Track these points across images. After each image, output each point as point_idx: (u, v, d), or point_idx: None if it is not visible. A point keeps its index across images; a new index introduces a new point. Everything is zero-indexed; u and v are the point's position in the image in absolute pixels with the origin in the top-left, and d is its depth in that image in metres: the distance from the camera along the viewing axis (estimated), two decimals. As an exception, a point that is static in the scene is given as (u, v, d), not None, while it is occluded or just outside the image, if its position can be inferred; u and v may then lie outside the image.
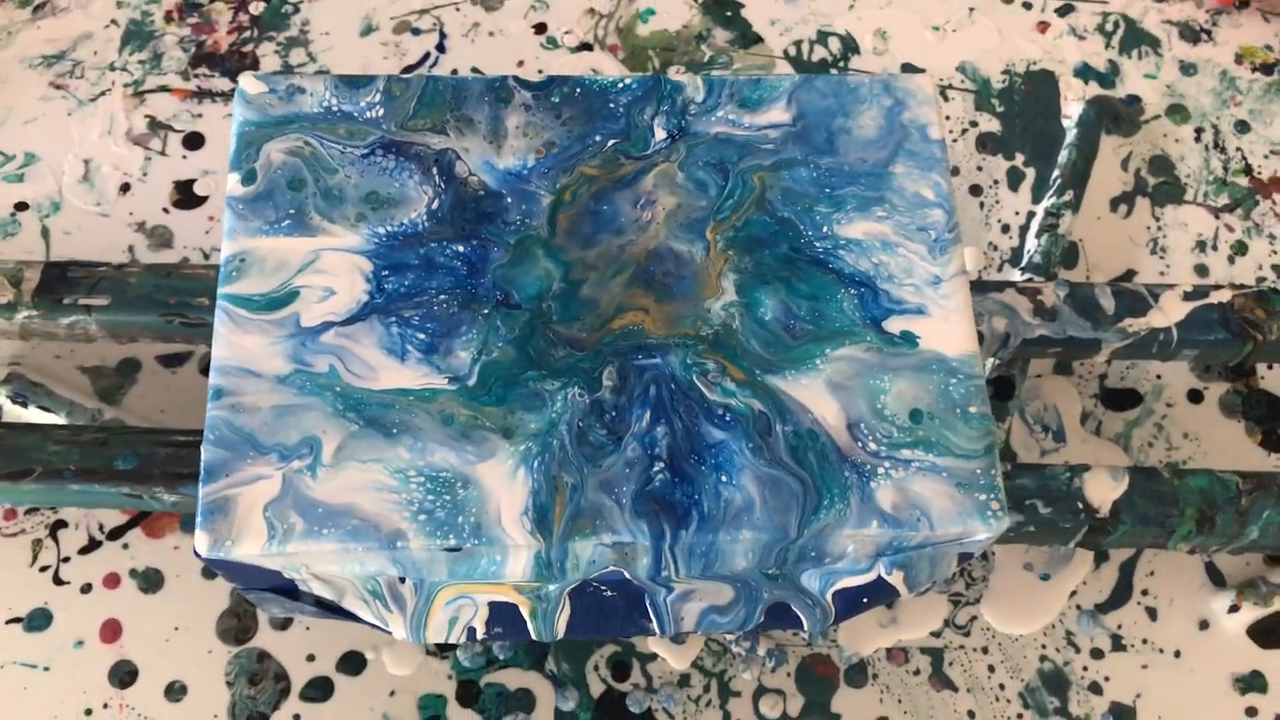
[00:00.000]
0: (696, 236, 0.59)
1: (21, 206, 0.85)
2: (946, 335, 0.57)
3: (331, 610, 0.59)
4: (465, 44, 0.93)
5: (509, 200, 0.59)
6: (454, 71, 0.92)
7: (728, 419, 0.55)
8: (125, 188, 0.87)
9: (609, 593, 0.57)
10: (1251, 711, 0.75)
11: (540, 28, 0.95)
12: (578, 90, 0.62)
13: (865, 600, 0.58)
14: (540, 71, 0.92)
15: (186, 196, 0.87)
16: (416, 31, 0.94)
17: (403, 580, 0.56)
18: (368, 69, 0.91)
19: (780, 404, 0.55)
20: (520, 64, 0.93)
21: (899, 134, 0.62)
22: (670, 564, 0.54)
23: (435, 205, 0.59)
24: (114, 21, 0.93)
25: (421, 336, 0.56)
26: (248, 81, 0.61)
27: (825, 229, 0.59)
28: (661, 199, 0.60)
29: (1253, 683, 0.76)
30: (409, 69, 0.92)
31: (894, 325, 0.57)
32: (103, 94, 0.90)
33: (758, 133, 0.62)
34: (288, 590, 0.57)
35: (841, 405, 0.55)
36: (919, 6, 0.97)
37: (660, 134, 0.62)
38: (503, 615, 0.58)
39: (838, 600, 0.58)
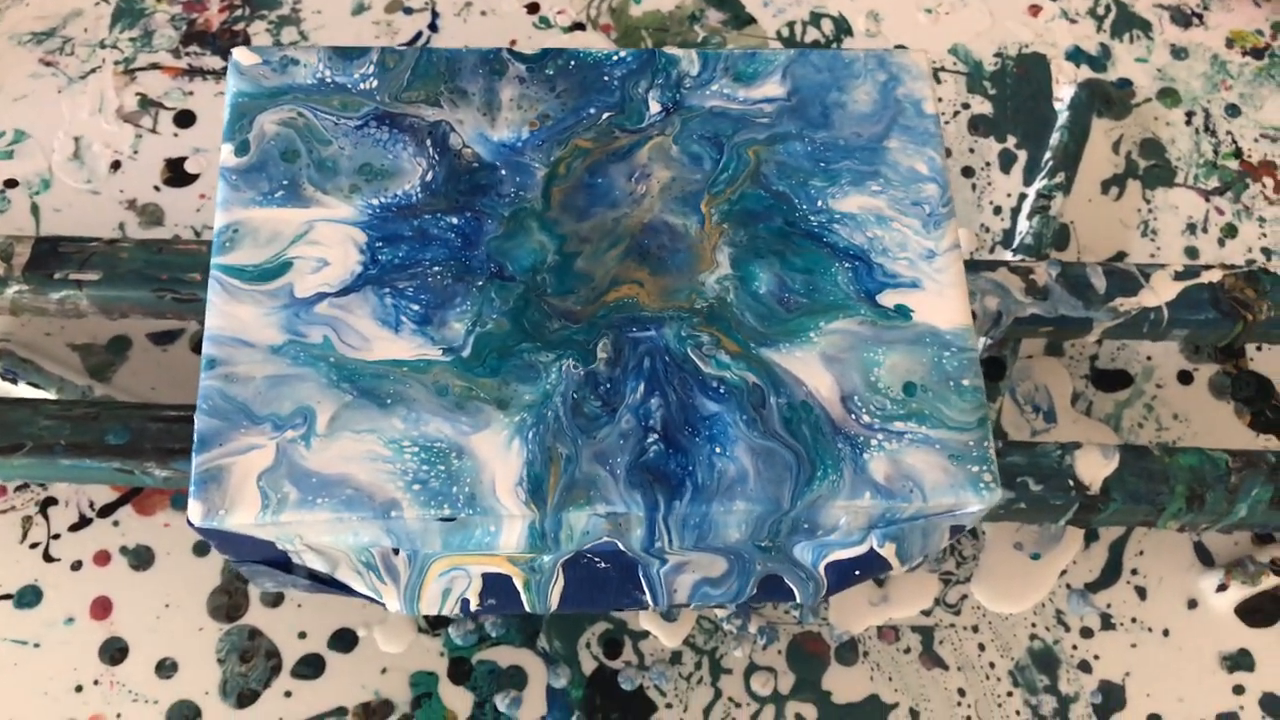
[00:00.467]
0: (691, 210, 0.59)
1: (11, 184, 0.85)
2: (940, 309, 0.57)
3: (325, 583, 0.59)
4: (457, 23, 0.93)
5: (503, 172, 0.59)
6: (446, 51, 0.92)
7: (722, 391, 0.55)
8: (116, 165, 0.86)
9: (602, 564, 0.57)
10: (1239, 689, 0.75)
11: (533, 7, 0.95)
12: (572, 63, 0.62)
13: (857, 573, 0.59)
14: (533, 51, 0.92)
15: (177, 174, 0.86)
16: (409, 10, 0.93)
17: (396, 551, 0.56)
18: (360, 48, 0.91)
19: (774, 376, 0.55)
20: (513, 43, 0.93)
21: (893, 109, 0.62)
22: (664, 535, 0.54)
23: (429, 177, 0.59)
24: (104, -1, 0.93)
25: (415, 308, 0.56)
26: (241, 53, 0.61)
27: (820, 203, 0.60)
28: (656, 172, 0.60)
29: (1240, 661, 0.76)
30: (401, 48, 0.91)
31: (888, 299, 0.57)
32: (93, 71, 0.89)
33: (752, 106, 0.62)
34: (281, 563, 0.57)
35: (835, 378, 0.55)
36: (912, -11, 0.97)
37: (655, 107, 0.62)
38: (496, 587, 0.58)
39: (830, 572, 0.58)
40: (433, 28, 0.93)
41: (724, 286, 0.57)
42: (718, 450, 0.53)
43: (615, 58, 0.63)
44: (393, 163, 0.59)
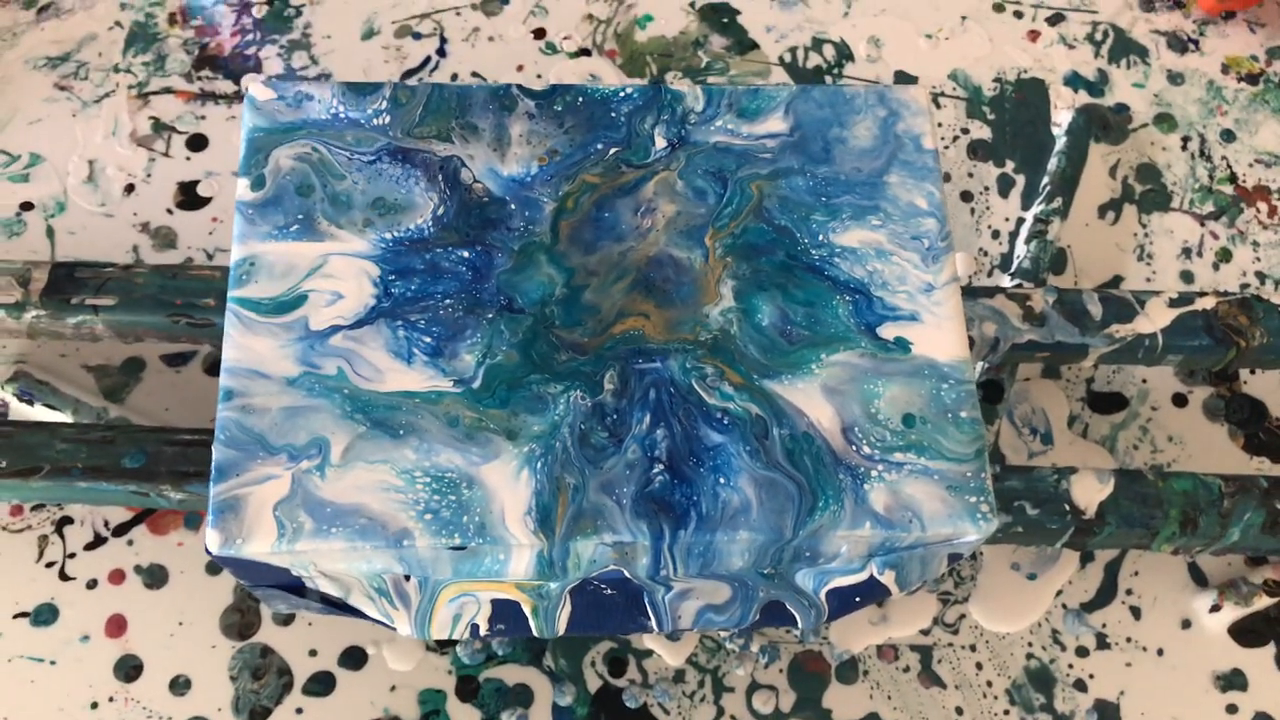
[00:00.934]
0: (696, 243, 0.61)
1: (27, 206, 0.87)
2: (938, 341, 0.59)
3: (337, 607, 0.60)
4: (465, 48, 0.95)
5: (513, 207, 0.61)
6: (454, 76, 0.93)
7: (726, 422, 0.56)
8: (129, 188, 0.88)
9: (609, 591, 0.59)
10: (1232, 709, 0.77)
11: (539, 33, 0.96)
12: (580, 99, 0.64)
13: (858, 599, 0.60)
14: (539, 76, 0.94)
15: (190, 197, 0.88)
16: (417, 36, 0.95)
17: (408, 578, 0.57)
18: (369, 72, 0.92)
19: (777, 408, 0.57)
20: (520, 68, 0.94)
21: (893, 144, 0.64)
22: (669, 563, 0.56)
23: (441, 211, 0.60)
24: (118, 23, 0.94)
25: (427, 340, 0.57)
26: (257, 89, 0.62)
27: (821, 237, 0.61)
28: (662, 206, 0.61)
29: (1233, 680, 0.77)
30: (410, 73, 0.93)
31: (888, 331, 0.59)
32: (107, 95, 0.91)
33: (755, 142, 0.63)
34: (295, 587, 0.58)
35: (836, 409, 0.57)
36: (912, 14, 0.99)
37: (661, 143, 0.63)
38: (505, 612, 0.59)
39: (831, 599, 0.60)
40: (441, 53, 0.94)
41: (728, 319, 0.59)
42: (722, 481, 0.55)
43: (622, 94, 0.64)
44: (405, 197, 0.60)
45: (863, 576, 0.59)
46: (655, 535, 0.54)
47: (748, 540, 0.55)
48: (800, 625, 0.61)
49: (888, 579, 0.59)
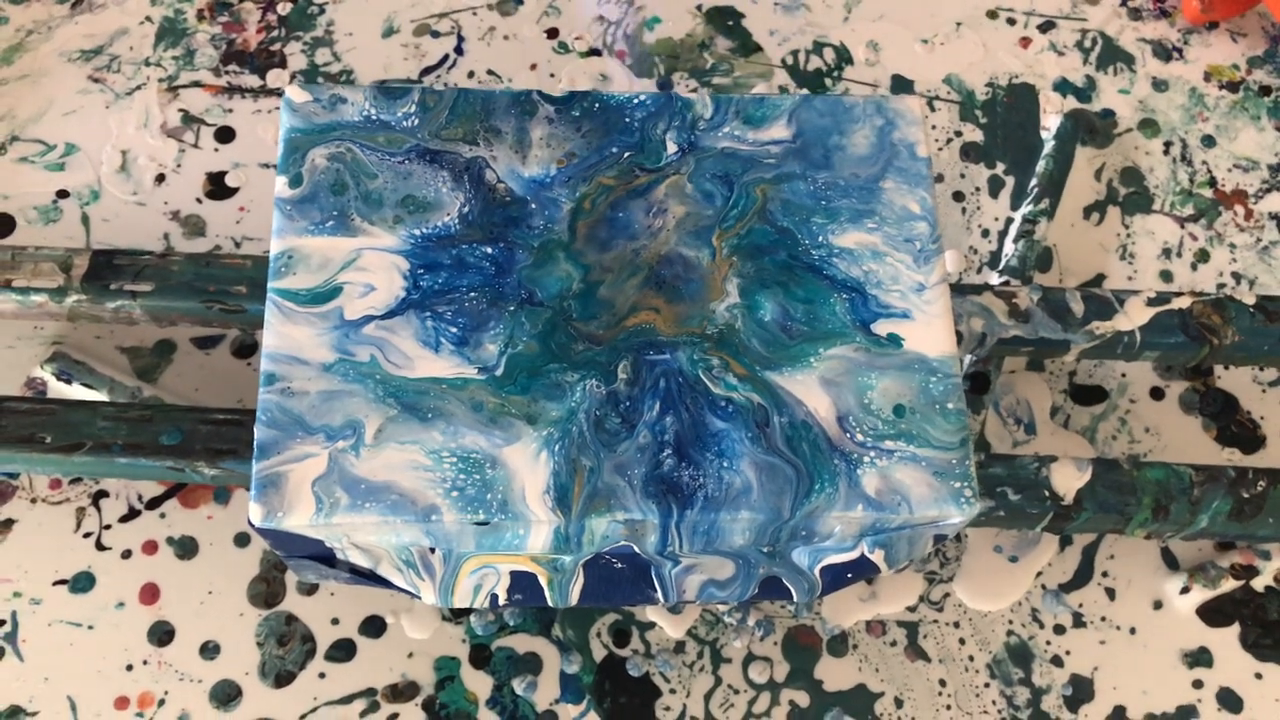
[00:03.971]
0: (703, 243, 0.65)
1: (63, 194, 0.91)
2: (928, 338, 0.63)
3: (365, 577, 0.64)
4: (481, 47, 0.99)
5: (533, 206, 0.65)
6: (470, 74, 0.97)
7: (729, 410, 0.61)
8: (160, 178, 0.92)
9: (619, 565, 0.63)
10: (1198, 684, 0.81)
11: (552, 32, 1.00)
12: (596, 105, 0.68)
13: (849, 575, 0.65)
14: (552, 75, 0.98)
15: (218, 187, 0.92)
16: (435, 34, 0.99)
17: (433, 550, 0.62)
18: (389, 69, 0.96)
19: (777, 398, 0.61)
20: (533, 67, 0.98)
21: (889, 152, 0.68)
22: (676, 540, 0.60)
23: (466, 210, 0.64)
24: (148, 19, 0.98)
25: (454, 330, 0.61)
26: (294, 91, 0.66)
27: (820, 238, 0.65)
28: (672, 208, 0.66)
29: (1200, 658, 0.82)
30: (428, 70, 0.97)
31: (881, 328, 0.63)
32: (138, 88, 0.95)
33: (760, 148, 0.68)
34: (326, 558, 0.63)
35: (832, 400, 0.61)
36: (910, 20, 1.03)
37: (671, 148, 0.67)
38: (522, 583, 0.64)
39: (824, 575, 0.64)
40: (458, 50, 0.98)
41: (733, 314, 0.63)
42: (725, 464, 0.59)
43: (636, 101, 0.68)
44: (433, 196, 0.65)
45: (854, 555, 0.63)
46: (664, 514, 0.58)
47: (749, 520, 0.59)
48: (795, 599, 0.65)
49: (877, 557, 0.63)
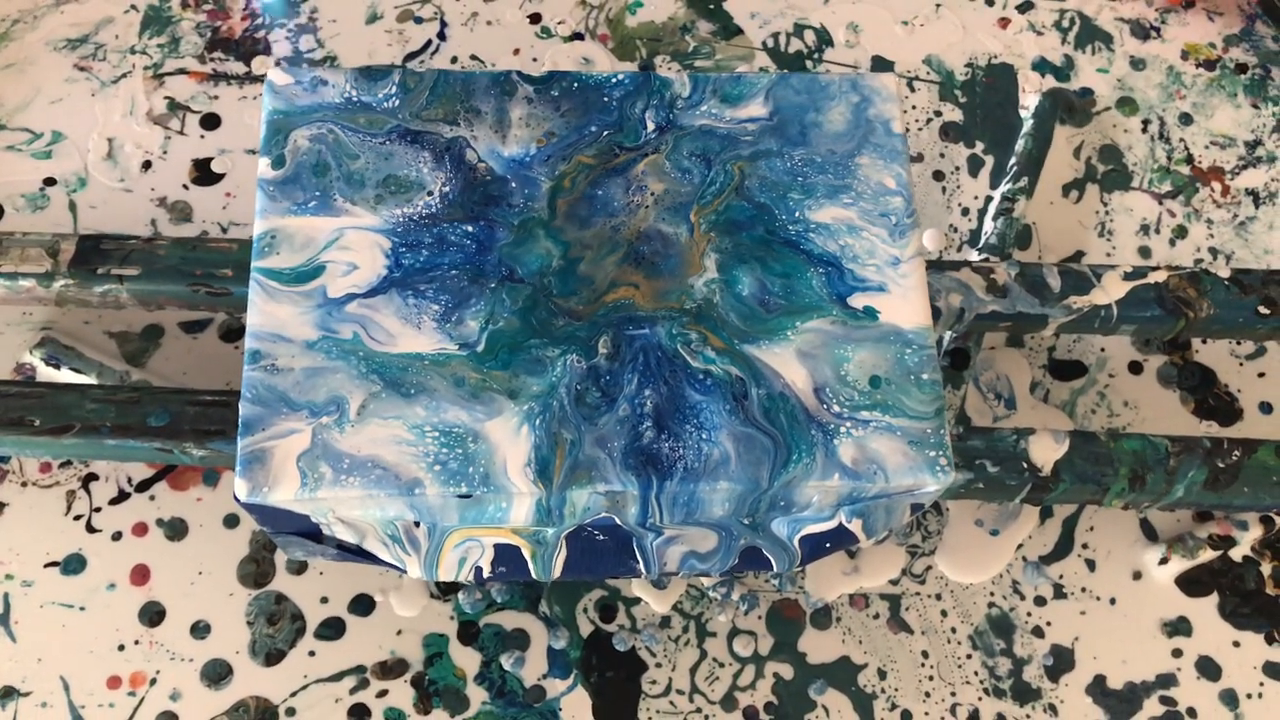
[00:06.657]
0: (682, 220, 0.66)
1: (50, 182, 0.91)
2: (903, 310, 0.64)
3: (352, 553, 0.65)
4: (464, 32, 0.99)
5: (513, 185, 0.66)
6: (454, 59, 0.98)
7: (708, 383, 0.61)
8: (147, 165, 0.92)
9: (601, 537, 0.64)
10: (1177, 653, 0.83)
11: (535, 17, 1.01)
12: (575, 85, 0.69)
13: (828, 545, 0.66)
14: (535, 60, 0.99)
15: (204, 174, 0.93)
16: (419, 20, 1.00)
17: (417, 524, 0.63)
18: (373, 55, 0.97)
19: (755, 370, 0.62)
20: (516, 52, 0.99)
21: (864, 128, 0.69)
22: (656, 511, 0.61)
23: (447, 189, 0.65)
24: (133, 7, 0.98)
25: (435, 307, 0.62)
26: (275, 74, 0.67)
27: (797, 214, 0.66)
28: (651, 185, 0.66)
29: (1179, 627, 0.83)
30: (411, 55, 0.98)
31: (857, 301, 0.64)
32: (124, 76, 0.96)
33: (738, 126, 0.68)
34: (312, 534, 0.64)
35: (809, 372, 0.62)
36: (889, 2, 1.04)
37: (650, 126, 0.68)
38: (506, 556, 0.65)
39: (803, 545, 0.66)
40: (441, 36, 0.99)
41: (711, 289, 0.64)
42: (704, 436, 0.60)
43: (614, 80, 0.69)
44: (414, 176, 0.65)
45: (832, 524, 0.64)
46: (644, 485, 0.59)
47: (727, 490, 0.60)
48: (776, 569, 0.66)
49: (855, 527, 0.64)
